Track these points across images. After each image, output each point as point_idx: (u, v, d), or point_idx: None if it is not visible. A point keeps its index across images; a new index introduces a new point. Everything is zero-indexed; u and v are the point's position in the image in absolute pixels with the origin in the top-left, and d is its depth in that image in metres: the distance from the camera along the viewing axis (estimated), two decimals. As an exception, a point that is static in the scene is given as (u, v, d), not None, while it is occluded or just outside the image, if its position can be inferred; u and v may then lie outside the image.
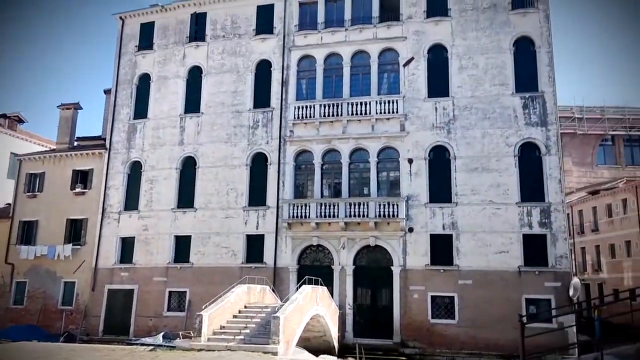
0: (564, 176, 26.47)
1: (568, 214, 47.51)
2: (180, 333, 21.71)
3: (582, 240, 51.27)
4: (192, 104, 30.19)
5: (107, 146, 31.18)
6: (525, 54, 25.86)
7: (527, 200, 24.34)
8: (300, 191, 27.81)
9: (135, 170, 30.46)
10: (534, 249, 23.71)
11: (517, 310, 21.33)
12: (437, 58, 26.94)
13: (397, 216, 24.92)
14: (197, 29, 31.11)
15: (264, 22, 29.79)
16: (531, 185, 24.48)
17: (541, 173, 24.53)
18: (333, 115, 27.12)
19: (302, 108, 27.72)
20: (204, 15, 31.13)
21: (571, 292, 22.39)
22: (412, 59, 26.97)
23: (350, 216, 25.41)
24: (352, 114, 26.83)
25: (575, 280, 23.27)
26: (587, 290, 47.77)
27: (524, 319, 9.26)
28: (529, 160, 24.84)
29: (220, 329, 17.78)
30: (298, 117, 27.68)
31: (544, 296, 23.03)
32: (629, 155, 53.71)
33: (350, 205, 25.58)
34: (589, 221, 50.23)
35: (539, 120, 24.99)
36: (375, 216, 25.10)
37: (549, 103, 25.05)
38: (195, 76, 30.61)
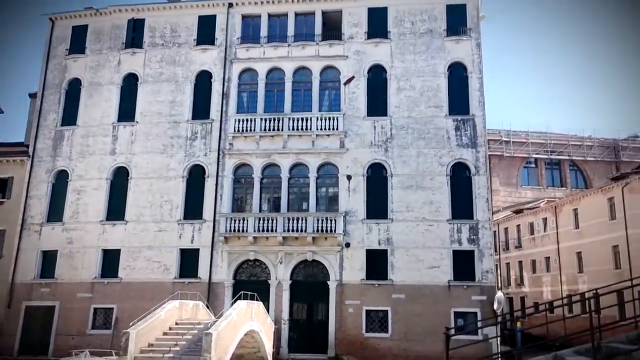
0: (492, 195, 27.94)
1: (495, 231, 50.02)
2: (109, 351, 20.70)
3: (507, 256, 54.07)
4: (127, 112, 29.20)
5: (31, 153, 29.40)
6: (458, 79, 27.25)
7: (457, 217, 25.46)
8: (238, 205, 27.55)
9: (61, 180, 28.89)
10: (463, 264, 24.79)
11: (446, 323, 22.15)
12: (377, 78, 27.81)
13: (335, 231, 25.27)
14: (135, 36, 30.24)
15: (206, 32, 29.52)
16: (461, 204, 25.64)
17: (471, 192, 25.77)
18: (274, 129, 27.21)
19: (243, 121, 27.62)
20: (142, 21, 30.36)
21: (495, 306, 23.55)
22: (353, 77, 27.68)
23: (288, 231, 25.47)
24: (293, 129, 27.06)
25: (499, 294, 24.50)
26: (511, 303, 50.32)
27: (451, 332, 9.70)
28: (460, 179, 26.04)
29: (149, 346, 17.18)
30: (238, 130, 27.53)
31: (471, 309, 24.07)
32: (550, 177, 57.57)
33: (289, 219, 25.66)
34: (514, 238, 53.13)
35: (469, 142, 26.32)
36: (314, 231, 25.32)
37: (479, 126, 26.46)
38: (130, 84, 29.69)
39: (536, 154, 55.85)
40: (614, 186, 39.52)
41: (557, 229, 45.80)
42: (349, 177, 26.45)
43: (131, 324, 17.52)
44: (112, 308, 26.34)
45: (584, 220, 42.39)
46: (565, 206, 45.52)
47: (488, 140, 35.58)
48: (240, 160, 27.57)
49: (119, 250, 27.19)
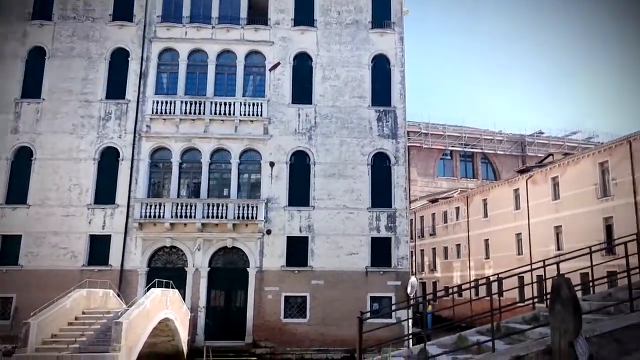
0: (410, 185, 29.04)
1: (411, 220, 52.23)
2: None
3: (422, 243, 56.60)
4: (32, 88, 26.99)
5: None
6: (381, 71, 27.86)
7: (377, 206, 26.20)
8: (155, 190, 26.56)
9: (-48, 160, 26.25)
10: (380, 251, 25.62)
11: (363, 308, 22.84)
12: (302, 66, 27.78)
13: (256, 218, 25.11)
14: (43, 7, 27.92)
15: (123, 8, 27.90)
16: (381, 192, 26.41)
17: (390, 181, 26.60)
18: (195, 113, 26.42)
19: (162, 103, 26.56)
20: (51, -9, 28.06)
21: (409, 290, 24.61)
22: (278, 64, 27.45)
23: (208, 217, 24.96)
24: (215, 114, 26.43)
25: (413, 279, 25.63)
26: (424, 287, 52.79)
27: (365, 316, 9.99)
28: (380, 169, 26.77)
29: (52, 337, 16.19)
30: (157, 112, 26.45)
31: (386, 294, 25.00)
32: (464, 169, 60.85)
33: (208, 206, 25.14)
34: (429, 226, 55.67)
35: (390, 133, 27.08)
36: (234, 218, 25.00)
37: (400, 118, 27.29)
38: (37, 58, 27.43)
39: (452, 146, 58.73)
40: (519, 178, 42.48)
41: (468, 217, 48.55)
42: (271, 164, 26.33)
43: (32, 314, 16.40)
44: (11, 297, 24.44)
45: (492, 210, 45.25)
46: (476, 196, 48.32)
47: (408, 131, 36.81)
48: (158, 144, 26.53)
49: (20, 236, 25.25)
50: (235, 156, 26.47)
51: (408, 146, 32.25)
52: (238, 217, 25.02)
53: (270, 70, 27.39)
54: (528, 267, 13.66)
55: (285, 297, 24.93)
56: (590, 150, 37.35)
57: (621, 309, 8.70)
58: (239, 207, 25.19)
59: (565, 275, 7.96)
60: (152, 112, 26.42)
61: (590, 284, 11.76)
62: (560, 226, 36.94)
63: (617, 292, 10.53)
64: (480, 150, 59.69)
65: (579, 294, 12.07)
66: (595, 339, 7.60)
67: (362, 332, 8.96)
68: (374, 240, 25.79)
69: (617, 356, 7.59)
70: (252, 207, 25.23)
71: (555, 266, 10.09)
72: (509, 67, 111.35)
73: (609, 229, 32.62)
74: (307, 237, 25.69)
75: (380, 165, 26.83)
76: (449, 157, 60.31)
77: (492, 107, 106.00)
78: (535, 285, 28.32)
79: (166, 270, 24.86)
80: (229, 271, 25.46)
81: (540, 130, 61.45)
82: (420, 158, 58.21)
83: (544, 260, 11.61)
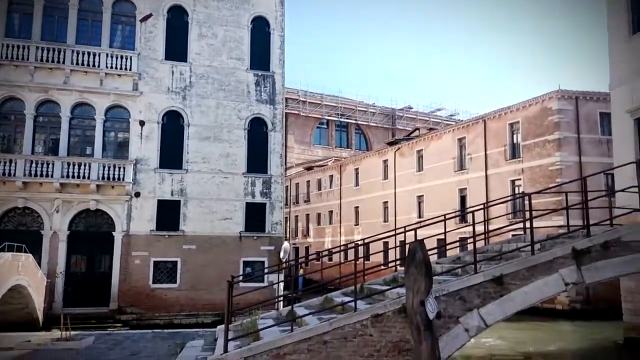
0: (286, 152, 29.27)
1: (287, 186, 53.04)
2: None
3: (296, 210, 57.93)
4: None
5: None
6: (261, 34, 27.27)
7: (252, 171, 26.04)
8: (5, 145, 23.58)
9: None
10: (255, 216, 25.66)
11: (235, 272, 22.82)
12: (177, 20, 26.13)
13: (123, 180, 23.56)
14: None
15: None
16: (257, 158, 26.26)
17: (266, 147, 26.52)
18: (53, 61, 23.69)
19: (13, 47, 23.38)
20: None
21: (282, 255, 25.11)
22: (151, 15, 25.50)
23: (68, 177, 22.86)
24: (77, 64, 23.96)
25: (286, 244, 26.16)
26: (297, 252, 54.34)
27: (236, 279, 9.99)
28: (257, 134, 26.53)
29: None
30: (6, 57, 23.24)
31: (260, 258, 25.26)
32: (339, 139, 62.90)
33: (68, 165, 22.99)
34: (303, 193, 57.03)
35: (268, 98, 26.84)
36: (99, 178, 23.21)
37: (278, 84, 27.12)
38: None
39: (328, 116, 60.21)
40: (388, 150, 45.08)
41: (340, 185, 50.59)
42: (141, 123, 24.71)
43: None
44: None
45: (363, 179, 47.63)
46: (349, 165, 50.40)
47: (286, 98, 36.87)
48: (9, 93, 23.46)
49: None
50: (100, 112, 24.38)
51: (286, 113, 32.34)
52: (103, 178, 23.27)
53: (141, 21, 25.37)
54: (391, 233, 14.60)
55: (155, 262, 23.99)
56: (451, 127, 40.75)
57: (467, 271, 9.70)
58: (104, 167, 23.39)
59: (424, 241, 8.64)
60: (1, 57, 23.16)
61: (444, 248, 12.99)
62: (422, 196, 40.12)
63: (465, 256, 11.75)
64: (354, 121, 62.05)
65: (434, 258, 13.30)
66: (443, 298, 8.40)
67: (232, 296, 8.96)
68: (249, 206, 25.73)
69: (461, 312, 8.48)
70: (119, 168, 23.59)
71: (417, 232, 10.89)
72: (384, 42, 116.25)
73: (463, 199, 36.18)
74: (179, 201, 24.80)
75: (257, 131, 26.59)
76: (325, 126, 61.84)
77: (367, 80, 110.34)
78: (397, 249, 30.63)
79: (19, 233, 22.40)
80: (92, 235, 23.74)
81: (410, 105, 65.48)
82: (298, 125, 58.93)
83: (405, 227, 12.52)
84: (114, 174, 23.42)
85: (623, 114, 20.41)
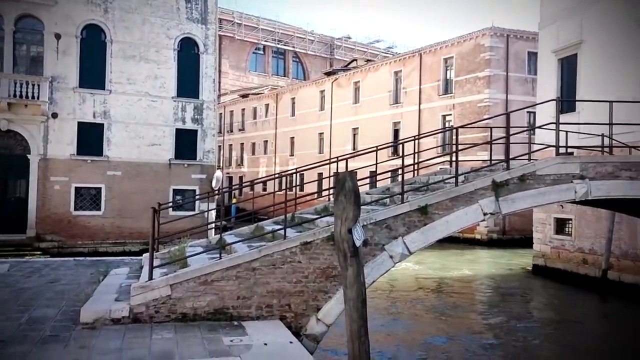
0: (220, 77, 28.03)
1: (221, 113, 51.57)
2: None
3: (230, 138, 56.84)
4: None
5: None
6: (192, -56, 25.07)
7: (183, 95, 24.81)
8: None
9: None
10: (185, 143, 24.76)
11: (164, 200, 22.23)
12: None
13: (38, 98, 21.69)
14: None
15: None
16: (188, 82, 24.95)
17: (198, 70, 25.20)
18: (-52, -43, 20.69)
19: None
20: None
21: (214, 183, 24.71)
22: None
23: (-27, 93, 20.73)
24: (-21, -37, 21.11)
25: (218, 172, 25.71)
26: (231, 181, 53.95)
27: (164, 206, 9.67)
28: (188, 56, 25.06)
29: None
30: None
31: (191, 187, 24.70)
32: (275, 66, 61.22)
33: (-27, 80, 20.77)
34: (238, 121, 55.79)
35: (200, 17, 25.17)
36: (9, 96, 21.22)
37: (210, 1, 25.38)
38: None
39: (265, 41, 58.02)
40: (326, 80, 44.52)
41: (276, 115, 49.84)
42: (57, 36, 22.49)
43: None
44: None
45: (300, 109, 47.10)
46: (285, 95, 49.49)
47: (220, 19, 34.87)
48: None
49: None
50: (9, 22, 21.89)
51: (219, 35, 30.71)
52: (14, 96, 21.29)
53: None
54: (324, 163, 14.58)
55: (76, 188, 22.81)
56: (388, 59, 40.62)
57: (395, 201, 9.91)
58: (15, 83, 21.34)
59: (356, 172, 8.62)
60: None
61: (375, 179, 13.20)
62: (358, 128, 40.43)
63: (394, 187, 11.99)
64: (292, 49, 60.32)
65: (366, 188, 13.51)
66: (371, 226, 8.56)
67: (158, 223, 8.68)
68: (179, 132, 24.74)
69: (386, 240, 8.71)
70: (33, 85, 21.61)
71: (349, 162, 10.89)
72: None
73: (396, 133, 36.84)
74: (102, 124, 23.35)
75: (188, 52, 25.11)
76: (261, 52, 59.77)
77: (306, 6, 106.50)
78: (331, 180, 31.02)
79: None
80: (4, 158, 22.01)
81: (348, 35, 64.30)
82: (232, 50, 56.53)
83: (338, 157, 12.51)
84: (27, 92, 21.47)
85: (549, 54, 21.10)
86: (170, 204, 21.86)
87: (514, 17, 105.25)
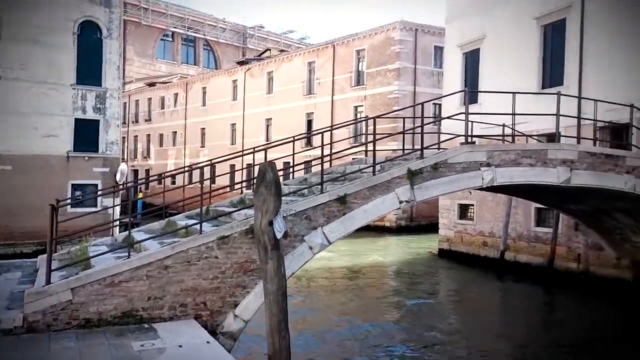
0: (125, 64, 26.34)
1: (125, 103, 48.81)
2: None
3: (136, 129, 54.00)
4: None
5: None
6: None
7: (83, 83, 23.01)
8: None
9: None
10: (86, 134, 22.99)
11: (62, 196, 20.49)
12: None
13: None
14: None
15: None
16: (89, 68, 23.15)
17: (100, 57, 23.48)
18: None
19: None
20: None
21: (118, 177, 23.21)
22: None
23: None
24: None
25: (123, 165, 24.19)
26: (136, 175, 51.33)
27: (62, 203, 8.79)
28: (89, 40, 23.24)
29: None
30: None
31: (92, 181, 23.00)
32: (185, 54, 58.97)
33: None
34: (144, 111, 53.11)
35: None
36: None
37: (114, -18, 23.73)
38: None
39: (174, 27, 55.68)
40: (238, 70, 43.60)
41: (186, 105, 48.05)
42: None
43: None
44: None
45: (211, 99, 45.77)
46: (195, 84, 47.84)
47: (125, 2, 32.80)
48: None
49: None
50: None
51: (124, 20, 28.86)
52: None
53: None
54: (238, 155, 14.16)
55: (-42, 184, 20.43)
56: (302, 50, 40.59)
57: (313, 192, 9.81)
58: None
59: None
60: None
61: (292, 170, 13.03)
62: (271, 119, 40.06)
63: (312, 177, 11.91)
64: (203, 36, 58.43)
65: (281, 180, 13.30)
66: (290, 217, 8.38)
67: (56, 222, 7.86)
68: (79, 122, 22.91)
69: (306, 231, 8.58)
70: None
71: (263, 154, 10.60)
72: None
73: (310, 124, 36.95)
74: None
75: (90, 37, 23.28)
76: (170, 39, 57.29)
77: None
78: (244, 172, 30.47)
79: None
80: None
81: (261, 24, 63.48)
82: (138, 36, 53.65)
83: (254, 148, 12.17)
84: None
85: (455, 48, 22.15)
86: (69, 200, 20.19)
87: (422, 12, 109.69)
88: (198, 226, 8.39)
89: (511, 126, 13.24)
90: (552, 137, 11.81)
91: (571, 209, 14.27)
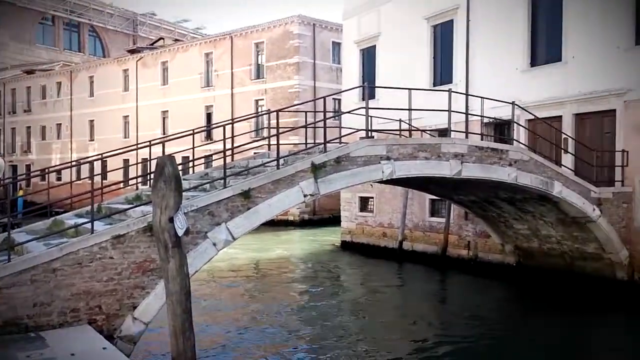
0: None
1: (0, 91, 44.18)
2: None
3: (13, 121, 49.13)
4: None
5: None
6: None
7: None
8: None
9: None
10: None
11: None
12: None
13: None
14: None
15: None
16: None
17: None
18: None
19: None
20: None
21: (-6, 174, 20.88)
22: None
23: None
24: None
25: (1, 160, 21.80)
26: (15, 171, 46.74)
27: None
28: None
29: None
30: None
31: (-38, 179, 20.51)
32: (68, 40, 54.58)
33: None
34: (22, 101, 48.39)
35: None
36: None
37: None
38: None
39: (54, 10, 51.22)
40: (129, 58, 41.16)
41: (71, 95, 44.52)
42: None
43: None
44: None
45: (99, 89, 42.80)
46: (81, 72, 44.47)
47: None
48: None
49: None
50: None
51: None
52: None
53: None
54: (133, 148, 13.40)
55: None
56: (198, 40, 39.31)
57: (216, 186, 9.53)
58: None
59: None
60: None
61: (192, 165, 12.56)
62: (167, 111, 38.39)
63: (213, 172, 11.57)
64: (88, 21, 54.41)
65: (181, 174, 12.76)
66: (192, 213, 8.07)
67: None
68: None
69: (209, 227, 8.32)
70: None
71: (160, 148, 10.11)
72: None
73: (209, 117, 35.96)
74: None
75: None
76: (50, 23, 52.64)
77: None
78: (139, 167, 28.92)
79: None
80: None
81: (153, 12, 60.53)
82: (14, 19, 48.70)
83: (150, 141, 11.54)
84: None
85: (352, 44, 22.74)
86: None
87: (320, 8, 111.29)
88: (89, 225, 7.79)
89: (407, 121, 13.92)
90: (445, 132, 12.56)
91: (461, 200, 15.31)
